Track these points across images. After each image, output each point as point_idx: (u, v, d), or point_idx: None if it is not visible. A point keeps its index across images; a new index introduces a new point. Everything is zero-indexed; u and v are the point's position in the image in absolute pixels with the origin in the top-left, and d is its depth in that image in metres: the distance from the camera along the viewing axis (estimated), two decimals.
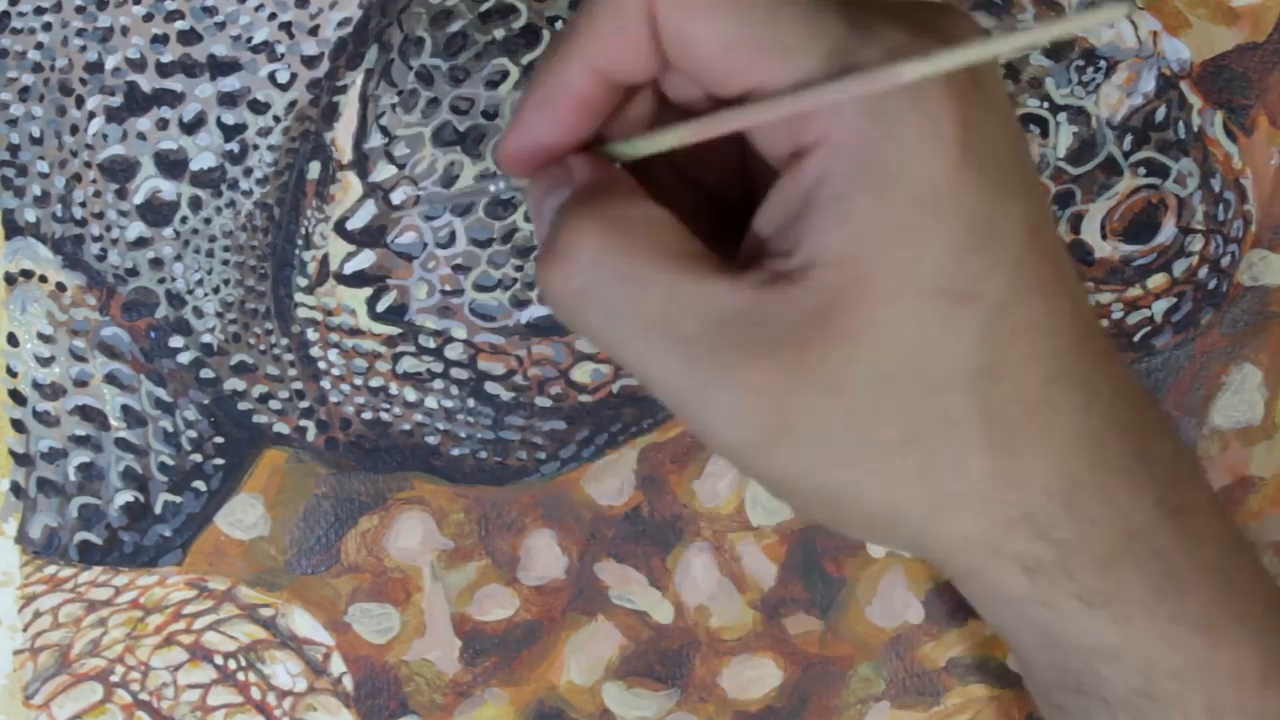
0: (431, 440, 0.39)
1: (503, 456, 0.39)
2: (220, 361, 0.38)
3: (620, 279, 0.27)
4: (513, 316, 0.38)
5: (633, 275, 0.27)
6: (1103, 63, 0.38)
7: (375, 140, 0.37)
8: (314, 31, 0.37)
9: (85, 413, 0.38)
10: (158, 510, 0.39)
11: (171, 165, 0.37)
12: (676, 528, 0.39)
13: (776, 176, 0.28)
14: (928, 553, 0.32)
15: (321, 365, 0.38)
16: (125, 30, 0.37)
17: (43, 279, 0.38)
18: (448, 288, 0.38)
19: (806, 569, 0.39)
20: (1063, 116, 0.38)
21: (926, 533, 0.32)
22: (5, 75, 0.37)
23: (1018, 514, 0.31)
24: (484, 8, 0.37)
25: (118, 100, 0.37)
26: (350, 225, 0.38)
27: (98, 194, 0.37)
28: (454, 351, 0.38)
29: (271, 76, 0.37)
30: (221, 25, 0.37)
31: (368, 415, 0.38)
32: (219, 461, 0.39)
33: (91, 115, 0.37)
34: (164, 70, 0.37)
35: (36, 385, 0.38)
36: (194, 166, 0.37)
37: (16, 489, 0.38)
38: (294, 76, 0.37)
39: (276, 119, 0.37)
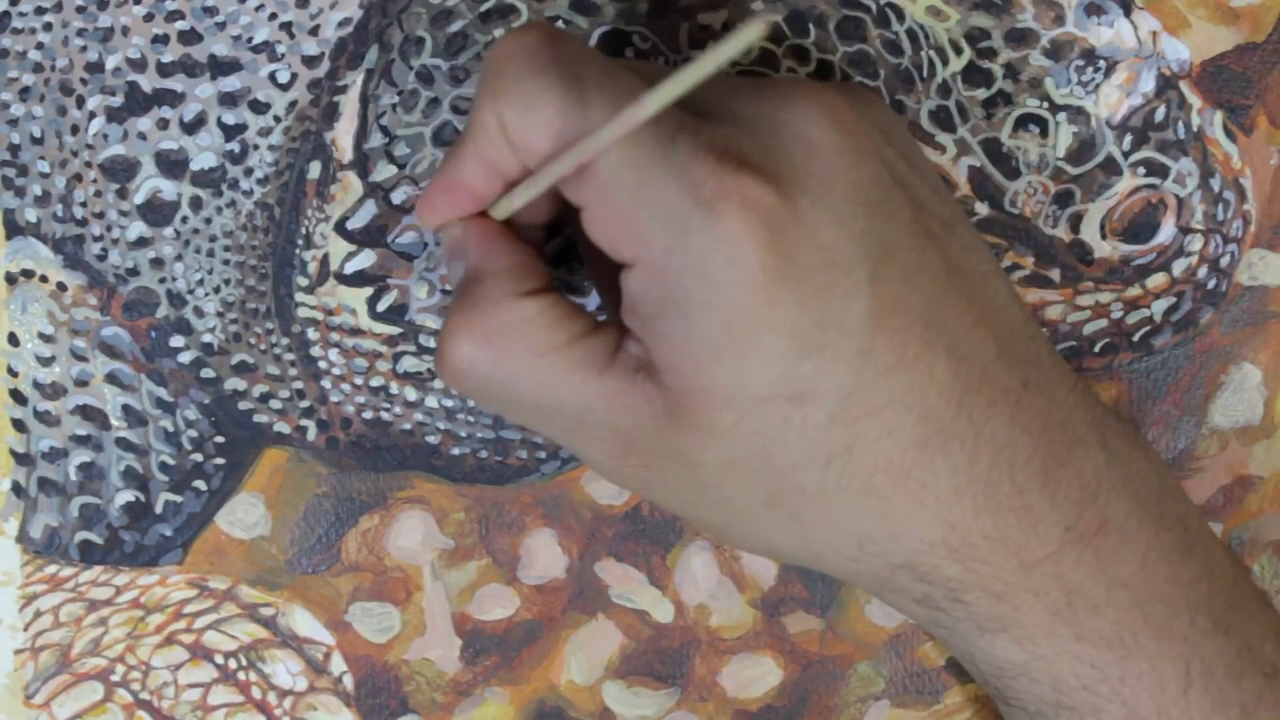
0: (432, 440, 0.39)
1: (503, 456, 0.39)
2: (221, 361, 0.38)
3: (499, 382, 0.31)
4: None
5: (507, 378, 0.31)
6: (1102, 62, 0.38)
7: (376, 140, 0.37)
8: (314, 31, 0.37)
9: (86, 412, 0.38)
10: (158, 510, 0.39)
11: (172, 165, 0.37)
12: (676, 527, 0.39)
13: None
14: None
15: (322, 365, 0.38)
16: (126, 30, 0.37)
17: (43, 279, 0.38)
18: (448, 287, 0.38)
19: (806, 568, 0.39)
20: (1062, 116, 0.38)
21: (811, 564, 0.33)
22: (6, 75, 0.37)
23: (898, 562, 0.32)
24: (484, 8, 0.37)
25: (118, 100, 0.37)
26: (351, 225, 0.38)
27: (98, 194, 0.37)
28: None
29: (272, 76, 0.37)
30: (222, 25, 0.37)
31: (368, 415, 0.38)
32: (219, 461, 0.39)
33: (92, 115, 0.37)
34: (164, 70, 0.37)
35: (37, 385, 0.38)
36: (194, 166, 0.37)
37: (17, 488, 0.38)
38: (294, 76, 0.37)
39: (277, 119, 0.37)
